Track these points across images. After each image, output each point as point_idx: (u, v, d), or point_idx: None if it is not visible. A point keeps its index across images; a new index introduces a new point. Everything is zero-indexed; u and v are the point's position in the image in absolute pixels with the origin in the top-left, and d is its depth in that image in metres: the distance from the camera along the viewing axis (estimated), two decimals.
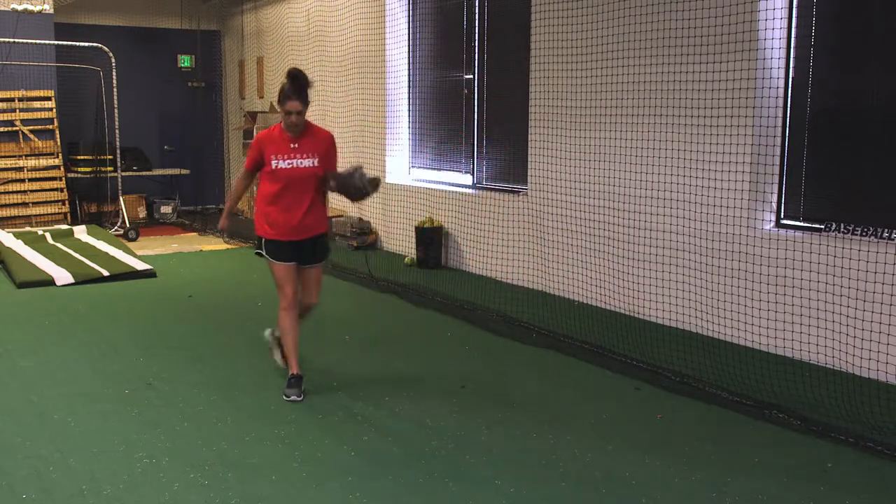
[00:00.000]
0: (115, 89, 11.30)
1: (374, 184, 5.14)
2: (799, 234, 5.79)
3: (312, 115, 11.66)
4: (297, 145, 5.05)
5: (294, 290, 5.14)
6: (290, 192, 5.04)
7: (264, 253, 5.15)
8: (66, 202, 11.64)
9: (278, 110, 5.07)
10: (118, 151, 11.50)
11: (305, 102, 4.98)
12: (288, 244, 5.10)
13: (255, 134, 12.51)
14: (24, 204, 11.32)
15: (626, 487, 3.93)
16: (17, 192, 11.29)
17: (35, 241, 9.81)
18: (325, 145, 5.16)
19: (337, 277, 8.64)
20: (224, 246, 10.59)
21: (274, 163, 5.02)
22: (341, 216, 10.75)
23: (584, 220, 7.34)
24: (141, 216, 12.65)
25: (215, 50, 14.14)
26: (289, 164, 5.02)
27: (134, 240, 10.94)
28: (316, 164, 5.08)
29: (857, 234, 5.42)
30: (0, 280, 8.40)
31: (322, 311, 7.29)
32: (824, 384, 5.09)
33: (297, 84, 4.95)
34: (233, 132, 13.97)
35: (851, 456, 4.30)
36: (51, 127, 11.68)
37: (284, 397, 5.04)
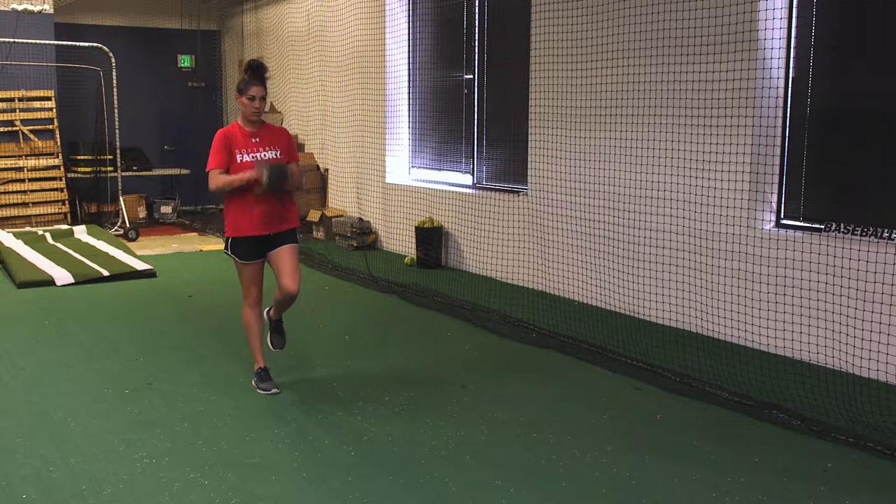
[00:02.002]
0: (115, 89, 11.30)
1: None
2: (799, 234, 5.79)
3: (314, 115, 11.69)
4: (257, 139, 5.03)
5: (259, 291, 5.20)
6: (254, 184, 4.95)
7: (230, 253, 5.13)
8: (66, 202, 11.64)
9: (238, 100, 5.02)
10: (118, 151, 11.50)
11: (266, 90, 5.01)
12: (255, 241, 5.05)
13: None
14: (24, 204, 11.33)
15: (626, 487, 3.93)
16: (17, 192, 11.29)
17: (35, 241, 9.81)
18: (285, 139, 5.16)
19: (337, 277, 8.64)
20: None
21: (238, 157, 4.98)
22: (341, 216, 10.75)
23: (584, 220, 7.34)
24: (141, 216, 12.65)
25: (215, 50, 14.14)
26: (252, 157, 4.99)
27: (134, 240, 10.95)
28: (279, 155, 5.06)
29: (857, 234, 5.42)
30: (0, 280, 8.41)
31: (322, 311, 7.29)
32: (824, 384, 5.09)
33: (258, 73, 4.98)
34: None
35: (851, 456, 4.30)
36: (51, 127, 11.68)
37: (262, 391, 5.15)
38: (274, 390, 5.14)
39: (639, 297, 6.89)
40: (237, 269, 5.19)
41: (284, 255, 5.08)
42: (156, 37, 13.62)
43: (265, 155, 5.01)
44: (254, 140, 5.02)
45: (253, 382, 5.26)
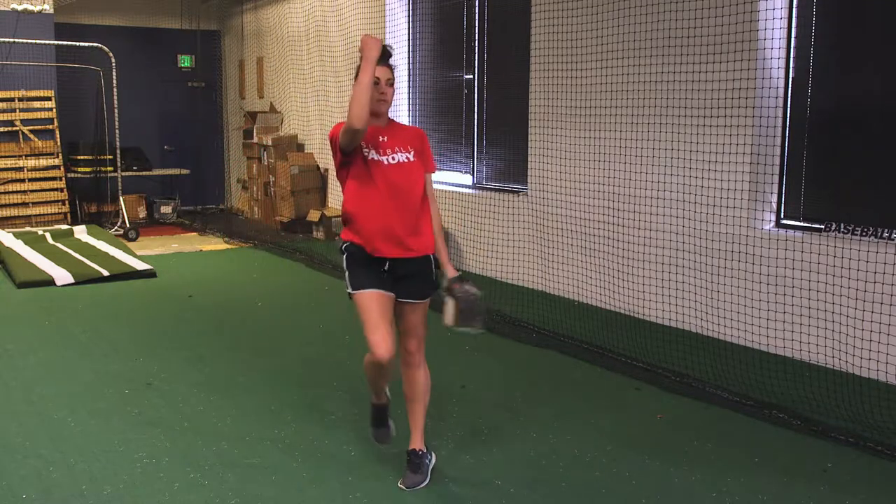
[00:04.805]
0: (115, 89, 11.30)
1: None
2: (799, 234, 5.79)
3: (314, 115, 11.69)
4: (385, 138, 3.88)
5: (389, 335, 3.79)
6: (383, 191, 3.81)
7: (347, 286, 3.86)
8: (66, 202, 11.63)
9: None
10: (118, 151, 11.50)
11: (394, 75, 3.92)
12: (376, 264, 3.83)
13: (254, 134, 12.52)
14: (24, 204, 11.32)
15: (626, 487, 3.93)
16: (17, 192, 11.29)
17: (35, 241, 9.81)
18: (418, 140, 3.98)
19: (337, 277, 8.64)
20: (224, 246, 10.59)
21: (366, 152, 3.83)
22: (340, 216, 10.73)
23: (584, 220, 7.34)
24: (141, 216, 12.65)
25: (215, 50, 14.14)
26: (379, 157, 3.84)
27: (134, 240, 10.94)
28: (412, 158, 3.89)
29: (857, 234, 5.42)
30: (0, 280, 8.40)
31: (322, 311, 7.29)
32: (824, 384, 5.09)
33: (386, 53, 3.83)
34: (233, 132, 13.97)
35: (851, 456, 4.30)
36: (51, 127, 11.68)
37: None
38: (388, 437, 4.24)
39: (639, 297, 6.89)
40: (356, 307, 3.91)
41: (410, 319, 4.07)
42: (156, 37, 13.62)
43: (395, 157, 3.86)
44: (381, 139, 3.87)
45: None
